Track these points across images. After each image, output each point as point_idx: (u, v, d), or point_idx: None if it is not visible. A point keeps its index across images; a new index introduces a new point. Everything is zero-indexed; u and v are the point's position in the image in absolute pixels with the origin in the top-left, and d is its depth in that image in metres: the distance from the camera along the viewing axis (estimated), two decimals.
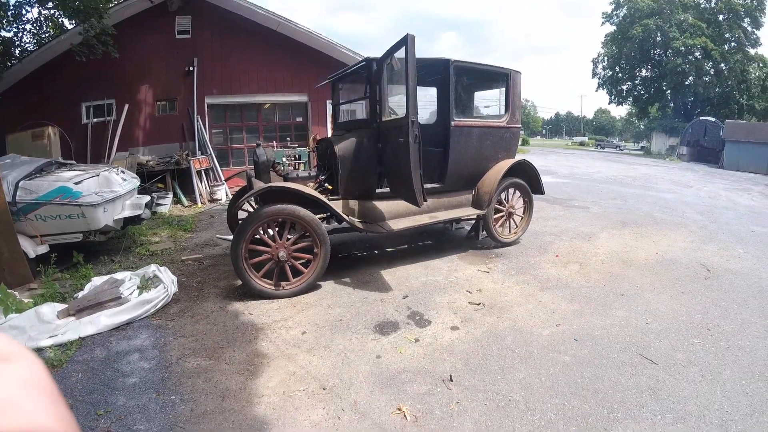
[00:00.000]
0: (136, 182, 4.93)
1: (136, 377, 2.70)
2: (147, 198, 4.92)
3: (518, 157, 5.29)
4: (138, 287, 3.71)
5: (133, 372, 2.75)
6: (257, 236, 3.68)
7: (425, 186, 4.66)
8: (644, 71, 34.45)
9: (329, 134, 7.89)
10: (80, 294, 3.62)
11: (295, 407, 2.35)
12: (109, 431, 2.24)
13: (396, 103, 4.37)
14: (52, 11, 6.68)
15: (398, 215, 4.43)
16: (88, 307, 3.37)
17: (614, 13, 34.16)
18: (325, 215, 4.13)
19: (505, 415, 2.22)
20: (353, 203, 4.31)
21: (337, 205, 4.15)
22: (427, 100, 5.83)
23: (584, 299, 3.68)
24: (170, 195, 7.41)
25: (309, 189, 3.85)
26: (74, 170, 4.24)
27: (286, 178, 4.35)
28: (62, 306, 3.36)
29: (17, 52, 6.81)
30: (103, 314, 3.28)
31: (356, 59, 7.34)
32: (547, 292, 3.86)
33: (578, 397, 2.35)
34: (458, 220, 5.25)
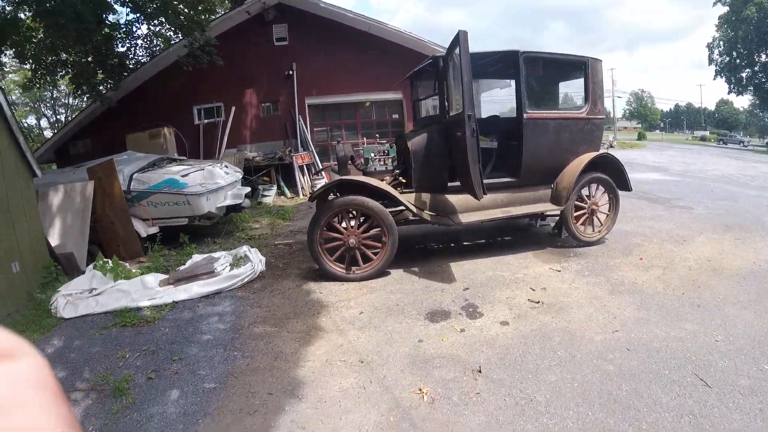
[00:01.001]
0: (239, 175, 5.82)
1: (210, 335, 3.26)
2: (247, 189, 5.76)
3: (602, 150, 4.92)
4: (230, 264, 4.39)
5: (209, 331, 3.33)
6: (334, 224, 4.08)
7: (500, 180, 4.65)
8: (764, 56, 29.95)
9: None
10: (181, 267, 4.44)
11: (331, 374, 2.60)
12: (177, 372, 2.76)
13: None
14: (158, 27, 8.13)
15: (469, 209, 4.43)
16: (185, 277, 4.13)
17: None
18: (399, 208, 4.34)
19: (520, 414, 2.17)
20: (426, 196, 4.46)
21: (409, 198, 4.35)
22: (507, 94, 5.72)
23: (655, 307, 3.35)
24: (274, 187, 8.51)
25: (378, 182, 4.15)
26: (183, 165, 5.25)
27: (364, 173, 4.68)
28: (164, 276, 4.18)
29: (132, 64, 8.51)
30: (195, 284, 3.99)
31: None
32: (616, 296, 3.56)
33: (606, 410, 2.17)
34: (538, 216, 5.05)
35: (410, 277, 4.12)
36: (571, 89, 5.63)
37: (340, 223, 4.21)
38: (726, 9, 31.23)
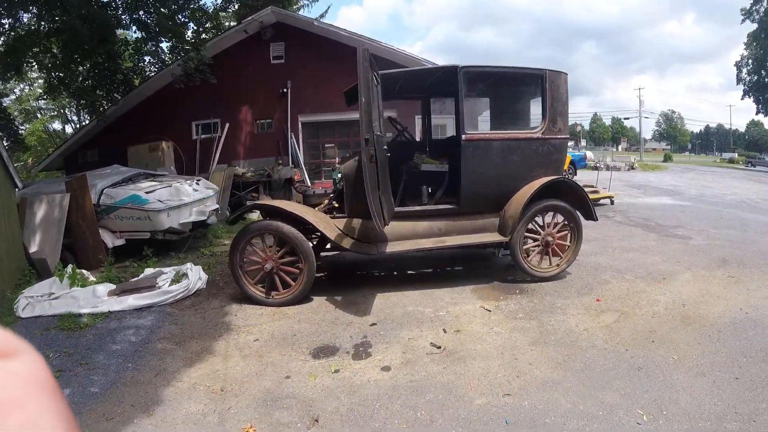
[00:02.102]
0: (210, 192, 6.39)
1: (119, 346, 3.71)
2: (215, 206, 6.31)
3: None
4: (172, 280, 4.90)
5: (121, 341, 3.78)
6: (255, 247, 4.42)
7: (436, 207, 4.72)
8: None
9: None
10: (133, 279, 5.02)
11: (189, 397, 2.88)
12: (77, 374, 3.26)
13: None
14: (165, 44, 9.02)
15: (402, 237, 4.52)
16: (128, 290, 4.67)
17: (753, 8, 30.47)
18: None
19: None
20: (356, 222, 4.58)
21: (339, 223, 4.56)
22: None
23: (579, 367, 3.06)
24: None
25: (294, 206, 4.37)
26: (155, 181, 5.89)
27: (304, 196, 5.02)
28: (113, 286, 4.75)
29: (138, 78, 9.47)
30: (132, 296, 4.50)
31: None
32: (538, 348, 3.36)
33: None
34: (487, 246, 4.96)
35: (328, 306, 4.31)
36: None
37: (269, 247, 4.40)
38: (755, 26, 31.01)
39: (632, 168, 25.51)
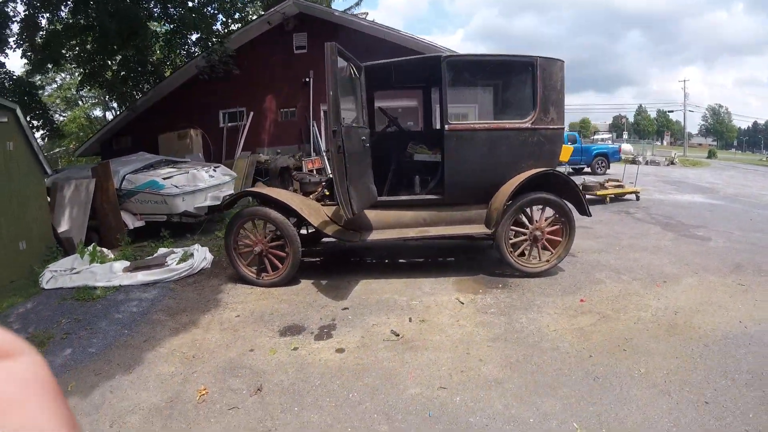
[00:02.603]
0: (227, 178, 6.94)
1: (121, 315, 4.28)
2: (230, 191, 6.83)
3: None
4: (180, 259, 5.46)
5: (124, 311, 4.35)
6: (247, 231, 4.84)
7: (421, 197, 4.89)
8: None
9: None
10: (147, 258, 5.63)
11: (165, 361, 3.35)
12: (81, 337, 3.83)
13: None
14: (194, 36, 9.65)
15: (388, 225, 4.76)
16: (140, 267, 5.27)
17: None
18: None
19: None
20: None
21: (329, 211, 4.88)
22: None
23: (530, 368, 3.05)
24: None
25: (280, 193, 4.71)
26: (175, 167, 6.50)
27: (301, 183, 5.36)
28: (128, 263, 5.37)
29: (170, 68, 10.19)
30: (142, 273, 5.09)
31: None
32: (496, 345, 3.41)
33: None
34: (463, 238, 5.05)
35: (311, 289, 4.64)
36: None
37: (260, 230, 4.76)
38: None
39: (672, 163, 25.09)
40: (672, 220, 7.75)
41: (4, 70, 8.76)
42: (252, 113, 10.96)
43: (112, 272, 5.14)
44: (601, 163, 16.67)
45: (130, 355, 3.49)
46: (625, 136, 44.50)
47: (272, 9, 10.39)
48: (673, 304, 4.05)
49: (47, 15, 8.51)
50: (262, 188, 5.02)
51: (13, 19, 8.39)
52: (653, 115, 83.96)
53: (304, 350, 3.45)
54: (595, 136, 28.37)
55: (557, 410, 2.61)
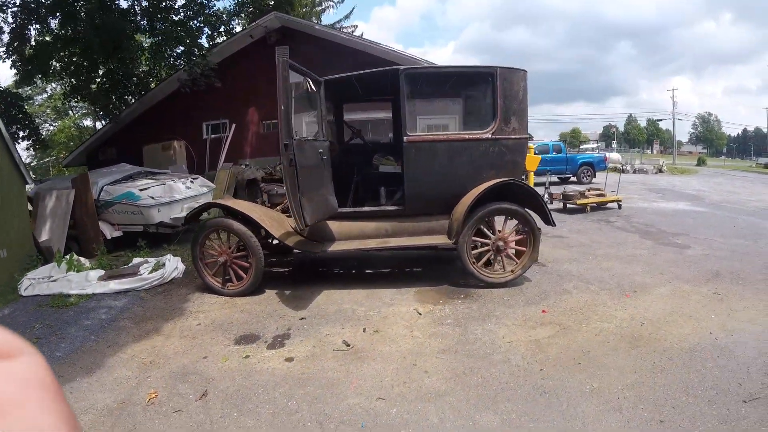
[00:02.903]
0: (204, 190, 7.25)
1: (90, 321, 4.55)
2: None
3: (504, 178, 4.78)
4: (152, 269, 5.74)
5: (93, 318, 4.62)
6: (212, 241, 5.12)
7: (382, 208, 5.13)
8: None
9: None
10: (122, 267, 5.93)
11: (124, 365, 3.60)
12: (50, 341, 4.10)
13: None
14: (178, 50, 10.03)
15: (350, 236, 4.99)
16: (114, 276, 5.56)
17: None
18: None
19: None
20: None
21: (294, 222, 5.15)
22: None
23: (475, 381, 3.10)
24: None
25: (241, 204, 4.97)
26: (153, 179, 6.82)
27: (269, 195, 5.64)
28: (103, 272, 5.66)
29: (155, 80, 10.58)
30: (113, 281, 5.37)
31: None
32: (445, 356, 3.50)
33: None
34: (424, 249, 5.21)
35: (273, 299, 4.88)
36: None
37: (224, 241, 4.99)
38: None
39: (660, 171, 26.07)
40: (652, 228, 7.94)
41: None
42: (234, 125, 11.33)
43: (87, 281, 5.43)
44: (587, 172, 17.12)
45: (93, 360, 3.74)
46: (614, 145, 45.63)
47: (254, 23, 10.78)
48: (640, 315, 4.02)
49: (37, 26, 8.90)
50: (227, 200, 5.29)
51: (3, 31, 8.77)
52: (643, 124, 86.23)
53: (254, 358, 3.67)
54: (583, 146, 28.91)
55: (495, 425, 2.61)
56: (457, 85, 5.50)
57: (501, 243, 4.84)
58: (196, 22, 9.53)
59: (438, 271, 5.71)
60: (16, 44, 9.01)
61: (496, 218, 5.00)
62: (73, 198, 6.41)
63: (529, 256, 4.86)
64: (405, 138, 4.73)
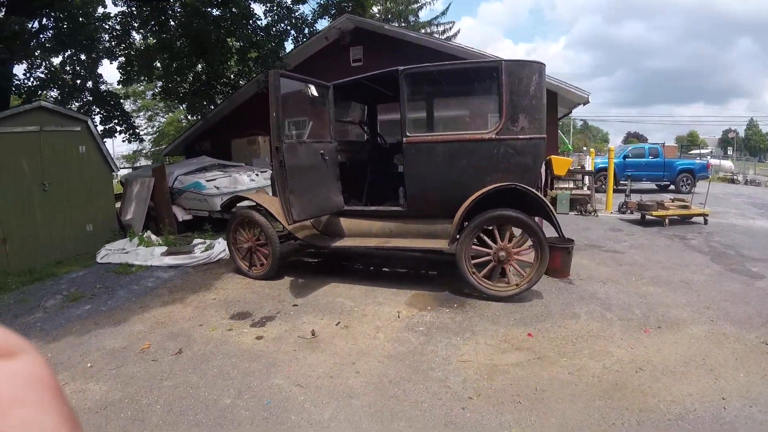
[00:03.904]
0: (268, 182, 8.37)
1: (137, 287, 5.82)
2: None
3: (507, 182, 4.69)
4: (204, 249, 6.94)
5: (141, 285, 5.88)
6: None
7: (385, 208, 5.52)
8: None
9: None
10: (182, 246, 7.25)
11: (140, 322, 4.67)
12: (101, 298, 5.39)
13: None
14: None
15: (356, 234, 5.50)
16: (172, 252, 6.87)
17: None
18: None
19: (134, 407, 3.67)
20: (324, 216, 5.80)
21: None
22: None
23: (394, 392, 3.19)
24: None
25: (260, 197, 5.79)
26: (221, 171, 8.14)
27: None
28: (165, 249, 7.01)
29: (243, 81, 12.03)
30: (169, 257, 6.66)
31: None
32: (387, 361, 3.66)
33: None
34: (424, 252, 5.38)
35: (284, 285, 5.60)
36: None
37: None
38: None
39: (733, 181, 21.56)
40: (731, 250, 6.95)
41: (93, 85, 11.45)
42: (311, 122, 12.44)
43: (152, 255, 6.81)
44: (686, 180, 15.29)
45: (123, 316, 4.87)
46: (730, 152, 38.59)
47: (329, 25, 11.83)
48: (644, 358, 3.54)
49: (141, 31, 11.04)
50: (250, 193, 6.21)
51: (111, 35, 11.04)
52: (765, 129, 71.31)
53: (235, 332, 4.40)
54: (693, 151, 25.23)
55: None
56: (461, 82, 5.50)
57: (503, 253, 4.75)
58: (282, 25, 10.90)
59: (451, 277, 5.70)
60: (123, 46, 11.23)
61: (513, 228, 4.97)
62: (152, 185, 8.03)
63: (536, 269, 4.68)
64: (405, 139, 4.95)
